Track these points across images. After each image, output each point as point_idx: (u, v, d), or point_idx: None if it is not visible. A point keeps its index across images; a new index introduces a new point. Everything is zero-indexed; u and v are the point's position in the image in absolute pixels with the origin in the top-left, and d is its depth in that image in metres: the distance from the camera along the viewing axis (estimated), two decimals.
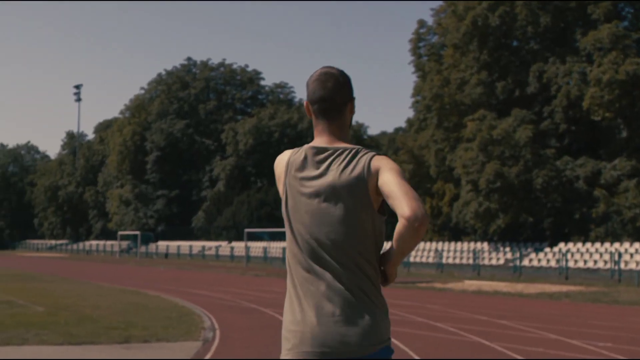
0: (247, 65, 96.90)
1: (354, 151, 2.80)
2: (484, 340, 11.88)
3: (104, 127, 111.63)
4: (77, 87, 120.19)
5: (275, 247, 56.34)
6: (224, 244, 68.84)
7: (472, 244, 44.11)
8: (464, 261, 42.05)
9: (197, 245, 70.91)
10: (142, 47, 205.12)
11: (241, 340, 12.04)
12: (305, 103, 2.98)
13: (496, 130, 39.40)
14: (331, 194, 2.75)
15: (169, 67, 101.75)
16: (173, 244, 74.64)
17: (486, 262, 40.48)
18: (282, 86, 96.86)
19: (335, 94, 2.87)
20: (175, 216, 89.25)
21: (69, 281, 28.67)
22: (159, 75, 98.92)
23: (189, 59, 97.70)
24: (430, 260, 43.52)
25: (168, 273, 37.93)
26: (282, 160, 2.92)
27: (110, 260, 62.34)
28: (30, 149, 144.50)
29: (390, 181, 2.66)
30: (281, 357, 2.78)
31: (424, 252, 45.02)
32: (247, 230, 53.76)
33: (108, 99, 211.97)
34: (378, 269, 2.79)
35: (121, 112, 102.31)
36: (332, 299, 2.71)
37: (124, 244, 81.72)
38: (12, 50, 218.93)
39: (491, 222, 41.39)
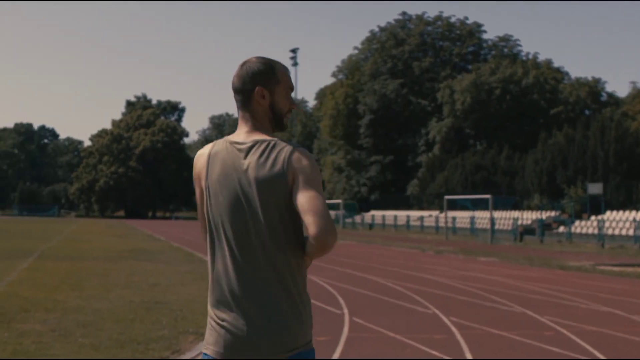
0: (466, 18, 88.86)
1: (272, 144, 2.72)
2: None
3: (324, 94, 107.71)
4: (294, 51, 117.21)
5: (481, 218, 48.42)
6: (434, 213, 61.69)
7: None
8: None
9: (402, 215, 64.25)
10: (355, 3, 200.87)
11: None
12: None
13: None
14: (251, 188, 2.67)
15: (383, 24, 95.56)
16: (378, 214, 68.72)
17: None
18: (506, 39, 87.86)
19: (241, 83, 2.82)
20: (390, 183, 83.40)
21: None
22: (372, 32, 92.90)
23: (403, 13, 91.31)
24: None
25: (352, 248, 31.44)
26: (203, 155, 2.84)
27: None
28: None
29: (302, 193, 2.59)
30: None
31: None
32: (447, 197, 45.92)
33: (325, 63, 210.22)
34: (299, 262, 2.72)
35: (334, 75, 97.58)
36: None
37: (331, 213, 76.81)
38: (231, 23, 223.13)
39: None
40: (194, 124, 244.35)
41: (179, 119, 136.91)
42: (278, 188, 2.64)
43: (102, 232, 45.88)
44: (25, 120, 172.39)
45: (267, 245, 2.63)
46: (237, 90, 2.84)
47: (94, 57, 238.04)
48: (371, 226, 65.95)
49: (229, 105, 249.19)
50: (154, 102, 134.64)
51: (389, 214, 66.96)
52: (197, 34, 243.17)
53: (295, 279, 2.68)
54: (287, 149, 2.69)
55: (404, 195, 78.06)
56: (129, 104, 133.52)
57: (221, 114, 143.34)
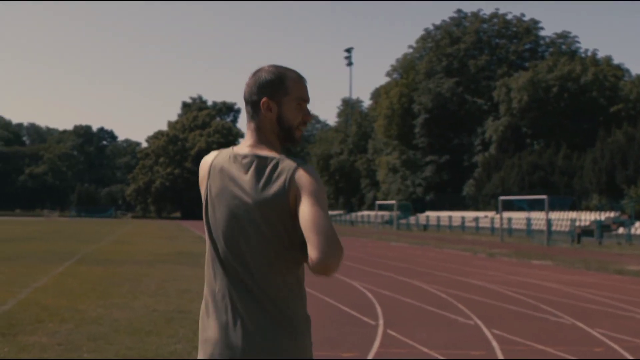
0: (523, 15, 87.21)
1: (274, 161, 2.58)
2: None
3: (379, 93, 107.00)
4: (348, 50, 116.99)
5: (538, 219, 47.14)
6: (490, 214, 60.49)
7: None
8: None
9: (456, 216, 63.11)
10: (410, 1, 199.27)
11: None
12: None
13: None
14: (248, 206, 2.55)
15: (438, 22, 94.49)
16: (433, 215, 67.67)
17: None
18: (564, 36, 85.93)
19: (249, 93, 2.69)
20: (446, 184, 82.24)
21: None
22: (427, 30, 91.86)
23: (458, 11, 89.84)
24: None
25: (402, 250, 30.73)
26: (206, 162, 2.75)
27: (362, 234, 56.30)
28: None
29: (304, 211, 2.45)
30: None
31: None
32: (502, 198, 44.69)
33: (380, 62, 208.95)
34: (297, 281, 2.61)
35: (388, 74, 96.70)
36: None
37: (386, 215, 75.97)
38: (286, 23, 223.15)
39: None
40: None
41: (235, 120, 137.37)
42: (277, 208, 2.51)
43: (152, 233, 45.83)
44: (84, 123, 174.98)
45: (262, 267, 2.52)
46: (245, 101, 2.72)
47: (151, 59, 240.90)
48: (425, 227, 65.01)
49: None
50: (209, 103, 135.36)
51: (444, 215, 65.90)
52: (253, 35, 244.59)
53: (290, 301, 2.56)
54: (290, 166, 2.55)
55: (460, 195, 76.87)
56: (185, 105, 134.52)
57: None
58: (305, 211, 2.44)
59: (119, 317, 9.70)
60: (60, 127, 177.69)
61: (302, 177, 2.51)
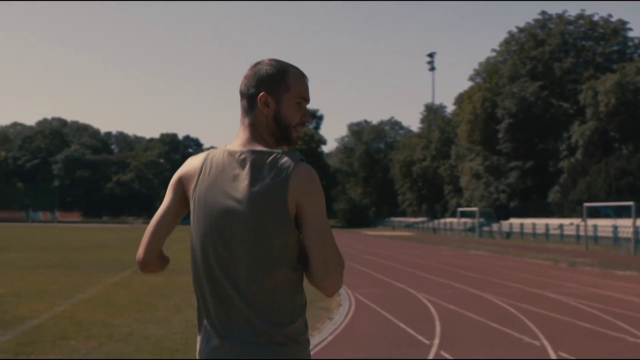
0: (610, 16, 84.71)
1: (272, 157, 2.40)
2: None
3: (462, 98, 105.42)
4: (431, 55, 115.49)
5: (625, 226, 45.22)
6: (576, 221, 58.50)
7: None
8: None
9: (540, 223, 61.15)
10: (492, 4, 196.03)
11: None
12: None
13: None
14: (242, 206, 2.36)
15: (522, 24, 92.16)
16: (516, 222, 65.83)
17: None
18: None
19: (246, 86, 2.54)
20: (531, 190, 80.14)
21: None
22: (510, 33, 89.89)
23: (543, 12, 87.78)
24: None
25: (480, 259, 29.69)
26: (197, 160, 2.55)
27: (443, 241, 55.13)
28: (394, 124, 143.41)
29: (308, 226, 2.35)
30: None
31: None
32: (587, 205, 42.92)
33: (462, 66, 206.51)
34: (292, 293, 2.42)
35: (471, 78, 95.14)
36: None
37: (468, 222, 74.42)
38: (368, 27, 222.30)
39: None
40: (332, 132, 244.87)
41: (317, 127, 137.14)
42: (274, 206, 2.33)
43: None
44: (170, 131, 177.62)
45: (256, 276, 2.34)
46: (241, 94, 2.56)
47: (233, 66, 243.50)
48: (509, 235, 63.39)
49: (368, 112, 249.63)
50: None
51: (527, 222, 64.10)
52: (334, 41, 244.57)
53: (282, 313, 2.36)
54: (289, 164, 2.37)
55: (545, 202, 74.79)
56: None
57: (360, 121, 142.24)
58: (309, 227, 2.32)
59: (151, 333, 9.24)
60: (148, 135, 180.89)
61: (305, 180, 2.35)
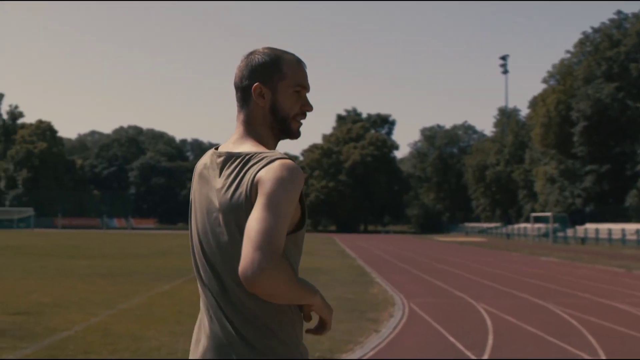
0: None
1: (246, 158, 2.26)
2: None
3: (536, 101, 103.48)
4: (503, 58, 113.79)
5: None
6: None
7: None
8: None
9: (616, 228, 59.39)
10: (566, 4, 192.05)
11: None
12: None
13: None
14: (218, 214, 2.25)
15: (596, 25, 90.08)
16: (591, 227, 64.08)
17: None
18: None
19: (239, 78, 2.41)
20: (607, 194, 78.05)
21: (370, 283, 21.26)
22: (585, 34, 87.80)
23: (618, 12, 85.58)
24: None
25: (549, 266, 28.83)
26: (198, 164, 2.47)
27: (515, 247, 53.95)
28: (467, 128, 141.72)
29: (251, 215, 2.10)
30: None
31: None
32: None
33: (536, 68, 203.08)
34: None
35: (544, 80, 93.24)
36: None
37: (542, 227, 72.78)
38: (440, 31, 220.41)
39: None
40: (405, 137, 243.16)
41: (389, 132, 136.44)
42: (242, 216, 2.18)
43: None
44: None
45: (237, 284, 2.19)
46: (235, 87, 2.44)
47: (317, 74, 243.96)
48: (584, 241, 61.80)
49: (441, 117, 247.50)
50: (364, 115, 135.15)
51: (603, 227, 62.37)
52: (406, 45, 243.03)
53: (268, 312, 2.21)
54: (259, 164, 2.20)
55: (622, 207, 72.73)
56: (340, 118, 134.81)
57: (432, 126, 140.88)
58: (253, 213, 2.10)
59: (179, 348, 8.93)
60: (222, 142, 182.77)
61: (265, 174, 2.16)
